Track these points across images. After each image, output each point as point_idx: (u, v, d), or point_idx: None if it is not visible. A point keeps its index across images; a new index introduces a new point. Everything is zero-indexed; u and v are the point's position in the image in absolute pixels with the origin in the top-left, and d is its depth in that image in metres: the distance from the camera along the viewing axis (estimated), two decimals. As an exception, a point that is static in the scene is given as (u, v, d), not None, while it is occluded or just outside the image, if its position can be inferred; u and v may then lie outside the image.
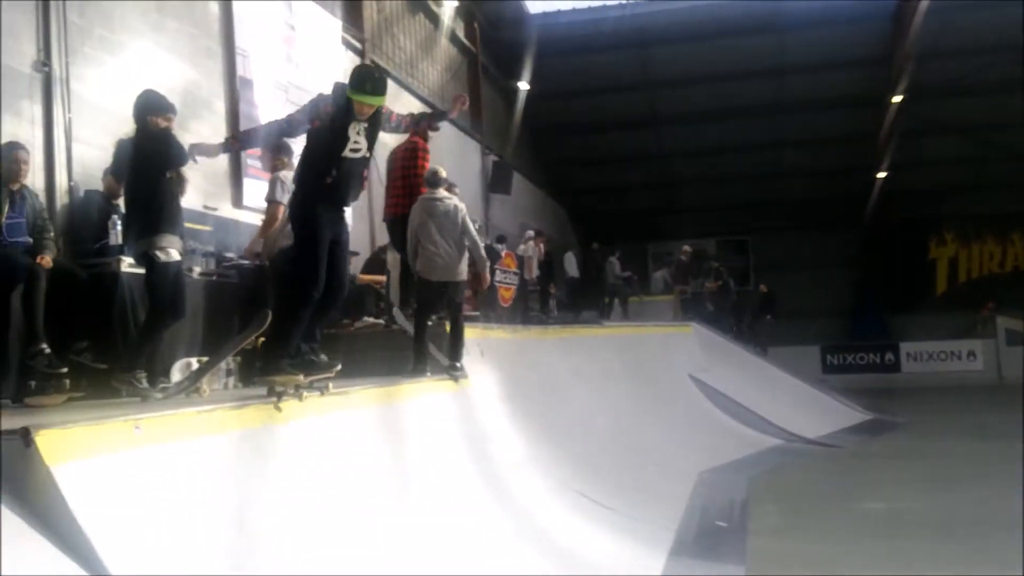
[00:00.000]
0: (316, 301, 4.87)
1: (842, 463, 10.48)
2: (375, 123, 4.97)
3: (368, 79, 4.87)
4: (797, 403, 13.03)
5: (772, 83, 22.56)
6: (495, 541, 5.38)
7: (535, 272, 14.58)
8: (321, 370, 4.92)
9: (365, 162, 5.02)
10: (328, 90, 4.94)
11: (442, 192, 7.12)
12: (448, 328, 7.14)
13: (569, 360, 9.73)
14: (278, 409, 4.30)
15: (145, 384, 4.96)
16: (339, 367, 5.05)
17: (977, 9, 18.91)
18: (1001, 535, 6.35)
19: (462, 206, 7.11)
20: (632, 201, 27.28)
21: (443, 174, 7.29)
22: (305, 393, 4.61)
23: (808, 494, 8.44)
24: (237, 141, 5.33)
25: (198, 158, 5.15)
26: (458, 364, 7.00)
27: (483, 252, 7.24)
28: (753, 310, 19.15)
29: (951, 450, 11.24)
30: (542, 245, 15.10)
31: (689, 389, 11.72)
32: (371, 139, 4.98)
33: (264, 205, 7.37)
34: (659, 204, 27.12)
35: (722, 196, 26.65)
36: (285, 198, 6.65)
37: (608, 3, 20.73)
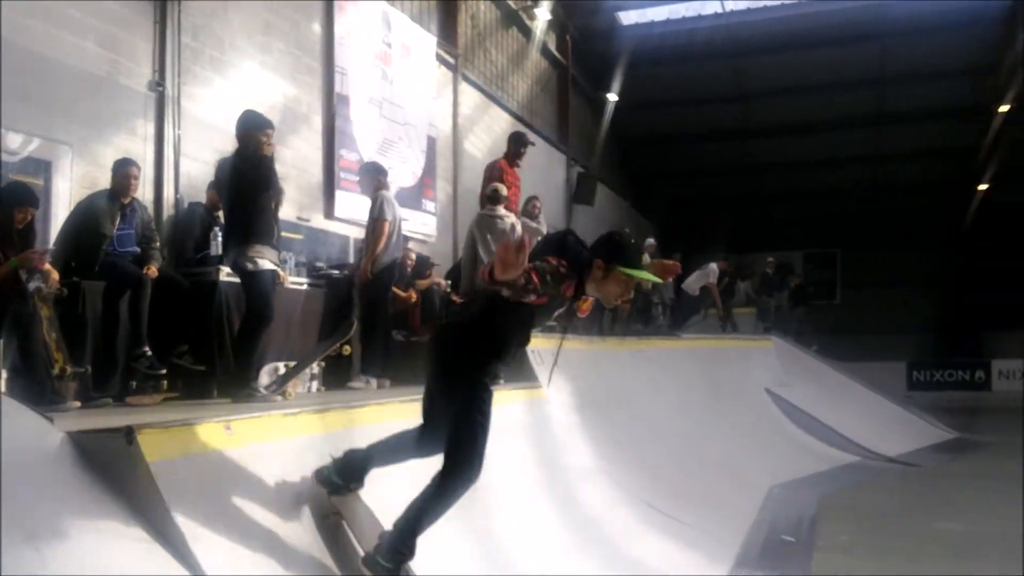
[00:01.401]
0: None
1: (920, 482, 10.26)
2: None
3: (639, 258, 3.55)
4: (878, 420, 12.76)
5: (872, 93, 22.00)
6: (559, 549, 5.58)
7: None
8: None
9: None
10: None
11: (501, 210, 7.41)
12: None
13: (645, 372, 9.85)
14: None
15: (263, 391, 5.36)
16: None
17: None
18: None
19: (519, 224, 7.38)
20: (720, 214, 27.01)
21: (503, 192, 7.58)
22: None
23: (881, 512, 8.31)
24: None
25: None
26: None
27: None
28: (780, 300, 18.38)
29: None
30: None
31: (766, 404, 11.64)
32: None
33: (364, 222, 7.73)
34: (747, 217, 26.79)
35: (813, 209, 26.13)
36: (389, 214, 7.09)
37: (703, 13, 20.58)
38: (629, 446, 7.94)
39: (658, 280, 3.68)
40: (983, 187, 24.54)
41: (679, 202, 26.77)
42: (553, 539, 5.66)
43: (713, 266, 15.14)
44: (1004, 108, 21.25)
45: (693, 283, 15.01)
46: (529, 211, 9.42)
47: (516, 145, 8.83)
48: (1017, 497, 9.17)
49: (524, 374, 7.44)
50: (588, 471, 7.01)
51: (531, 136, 10.28)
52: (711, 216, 26.96)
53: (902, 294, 25.13)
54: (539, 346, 8.02)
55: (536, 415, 7.11)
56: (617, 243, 3.47)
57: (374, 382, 6.84)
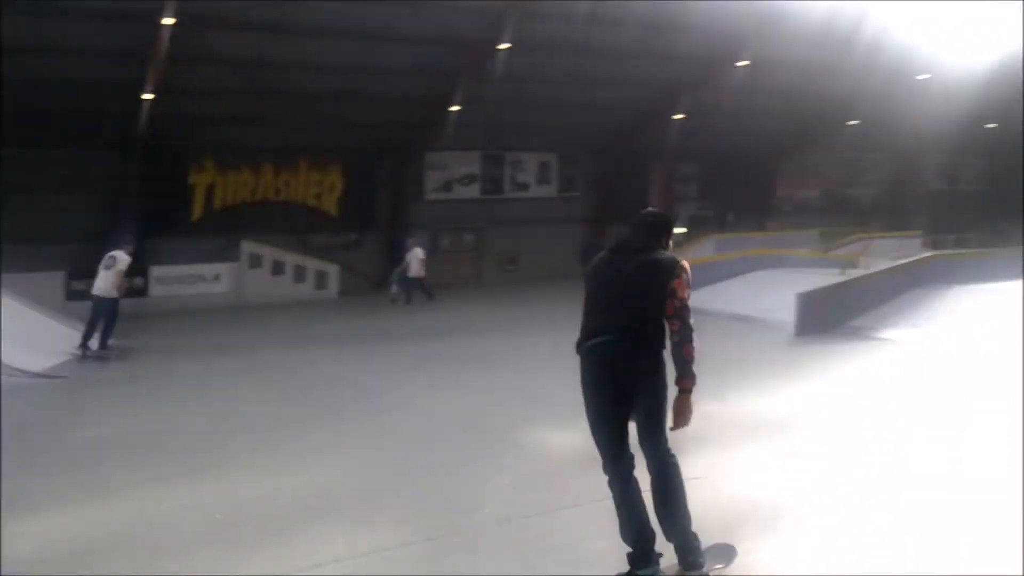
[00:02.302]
0: None
1: (65, 394, 10.47)
2: None
3: None
4: (28, 335, 12.30)
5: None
6: None
7: None
8: None
9: None
10: None
11: None
12: None
13: None
14: None
15: None
16: None
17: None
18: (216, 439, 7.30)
19: None
20: None
21: None
22: None
23: (23, 431, 8.20)
24: None
25: None
26: None
27: None
28: None
29: (179, 369, 12.11)
30: None
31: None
32: None
33: None
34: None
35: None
36: None
37: None
38: None
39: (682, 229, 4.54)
40: (149, 96, 24.93)
41: None
42: None
43: (123, 255, 14.09)
44: (168, 21, 21.87)
45: (104, 285, 13.70)
46: None
47: None
48: (157, 394, 10.07)
49: None
50: None
51: None
52: None
53: (64, 200, 24.09)
54: None
55: None
56: (669, 221, 4.49)
57: None
